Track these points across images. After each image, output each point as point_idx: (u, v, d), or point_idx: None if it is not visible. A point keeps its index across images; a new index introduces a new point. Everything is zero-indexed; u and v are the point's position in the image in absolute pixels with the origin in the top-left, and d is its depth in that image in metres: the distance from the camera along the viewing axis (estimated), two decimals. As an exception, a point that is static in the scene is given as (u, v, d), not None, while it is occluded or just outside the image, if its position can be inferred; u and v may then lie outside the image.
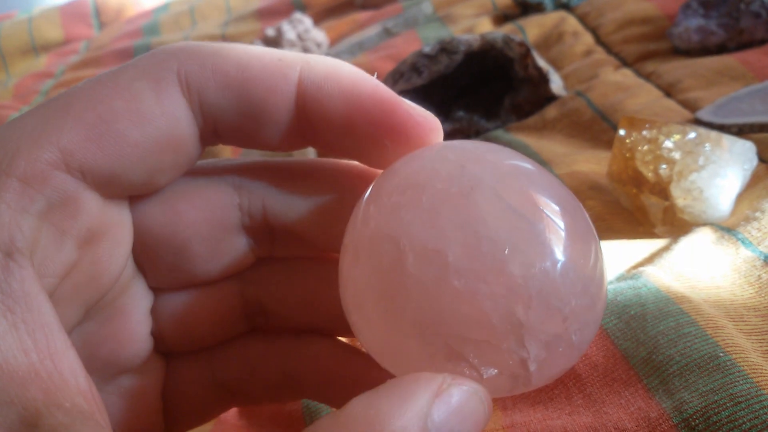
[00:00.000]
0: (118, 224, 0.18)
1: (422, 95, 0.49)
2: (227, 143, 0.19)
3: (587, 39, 0.57)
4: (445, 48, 0.48)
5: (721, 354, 0.23)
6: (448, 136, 0.48)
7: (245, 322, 0.21)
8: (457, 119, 0.49)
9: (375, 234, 0.16)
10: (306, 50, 0.70)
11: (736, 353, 0.23)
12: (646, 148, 0.32)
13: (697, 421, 0.21)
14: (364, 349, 0.19)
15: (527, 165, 0.17)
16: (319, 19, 0.85)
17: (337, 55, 0.69)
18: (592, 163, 0.39)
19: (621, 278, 0.29)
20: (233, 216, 0.20)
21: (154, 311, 0.20)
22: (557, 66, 0.55)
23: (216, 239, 0.20)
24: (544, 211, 0.16)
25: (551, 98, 0.48)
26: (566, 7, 0.63)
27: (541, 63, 0.48)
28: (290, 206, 0.20)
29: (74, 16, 1.10)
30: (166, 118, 0.17)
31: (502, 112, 0.49)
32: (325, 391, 0.22)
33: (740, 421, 0.20)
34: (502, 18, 0.67)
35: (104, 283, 0.18)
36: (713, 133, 0.32)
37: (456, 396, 0.15)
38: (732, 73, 0.45)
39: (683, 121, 0.41)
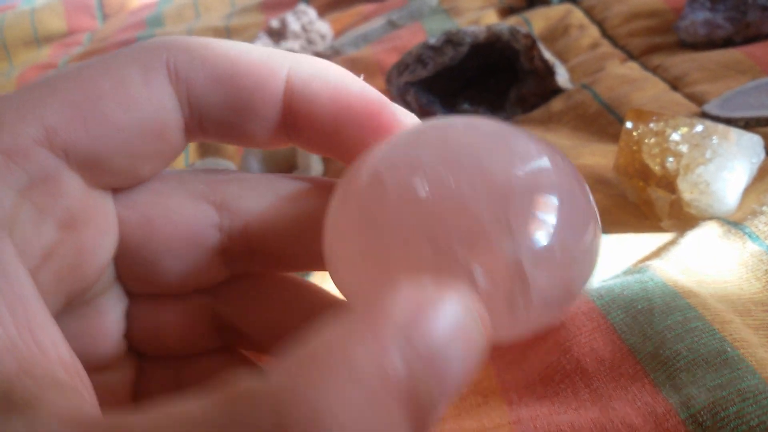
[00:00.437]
0: (102, 214, 0.18)
1: (427, 87, 0.49)
2: (212, 138, 0.19)
3: (593, 32, 0.56)
4: (451, 40, 0.47)
5: (729, 349, 0.23)
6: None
7: (217, 337, 0.21)
8: (462, 111, 0.48)
9: (358, 181, 0.16)
10: (310, 42, 0.70)
11: (743, 348, 0.23)
12: (653, 140, 0.32)
13: (704, 416, 0.21)
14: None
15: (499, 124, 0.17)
16: (323, 11, 0.84)
17: (341, 47, 0.69)
18: (598, 156, 0.39)
19: (627, 272, 0.29)
20: (211, 237, 0.19)
21: (127, 314, 0.20)
22: (563, 59, 0.54)
23: (190, 257, 0.19)
24: (521, 145, 0.16)
25: (557, 91, 0.48)
26: (572, 0, 0.63)
27: (547, 55, 0.47)
28: (273, 227, 0.19)
29: (77, 8, 1.10)
30: (153, 105, 0.17)
31: (508, 104, 0.49)
32: None
33: (748, 416, 0.20)
34: (507, 10, 0.67)
35: (88, 273, 0.18)
36: (720, 126, 0.32)
37: (442, 308, 0.13)
38: (739, 67, 0.44)
39: (690, 114, 0.41)
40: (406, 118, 0.18)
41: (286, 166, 0.45)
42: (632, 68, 0.49)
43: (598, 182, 0.36)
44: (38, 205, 0.16)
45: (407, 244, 0.15)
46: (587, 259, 0.16)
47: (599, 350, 0.25)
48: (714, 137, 0.31)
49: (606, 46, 0.54)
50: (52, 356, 0.14)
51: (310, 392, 0.11)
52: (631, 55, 0.52)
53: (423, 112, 0.48)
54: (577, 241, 0.15)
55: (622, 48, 0.54)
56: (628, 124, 0.33)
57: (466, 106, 0.49)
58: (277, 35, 0.70)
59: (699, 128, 0.32)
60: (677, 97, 0.44)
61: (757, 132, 0.34)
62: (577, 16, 0.59)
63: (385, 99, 0.18)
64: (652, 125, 0.33)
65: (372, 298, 0.13)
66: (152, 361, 0.21)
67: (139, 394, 0.21)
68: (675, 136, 0.32)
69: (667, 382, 0.23)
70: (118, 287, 0.20)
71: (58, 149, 0.16)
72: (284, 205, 0.19)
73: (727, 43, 0.49)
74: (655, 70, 0.48)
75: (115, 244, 0.18)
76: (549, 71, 0.48)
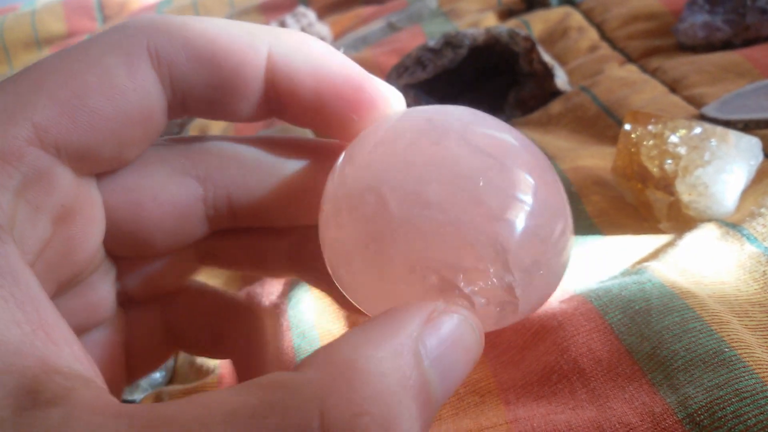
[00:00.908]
0: (90, 202, 0.18)
1: (427, 89, 0.49)
2: (195, 115, 0.19)
3: (592, 34, 0.56)
4: (450, 42, 0.48)
5: (726, 349, 0.23)
6: (452, 130, 0.48)
7: (198, 268, 0.23)
8: (461, 114, 0.49)
9: (354, 189, 0.17)
10: (310, 44, 0.70)
11: (741, 348, 0.23)
12: (651, 143, 0.32)
13: (701, 416, 0.21)
14: (355, 304, 0.19)
15: (485, 114, 0.18)
16: (323, 13, 0.84)
17: (340, 49, 0.69)
18: (597, 158, 0.39)
19: (625, 273, 0.29)
20: (197, 210, 0.20)
21: (117, 274, 0.21)
22: (562, 61, 0.55)
23: (178, 230, 0.20)
24: (508, 148, 0.17)
25: (556, 93, 0.48)
26: (571, 3, 0.63)
27: (546, 58, 0.48)
28: (256, 193, 0.20)
29: (77, 10, 1.10)
30: (138, 93, 0.17)
31: (507, 106, 0.49)
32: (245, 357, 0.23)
33: (745, 416, 0.20)
34: (506, 13, 0.67)
35: (78, 261, 0.18)
36: (719, 129, 0.32)
37: (447, 322, 0.15)
38: (737, 70, 0.44)
39: (688, 117, 0.41)
40: (387, 92, 0.19)
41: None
42: (631, 71, 0.49)
43: (596, 184, 0.36)
44: (33, 203, 0.16)
45: (415, 276, 0.16)
46: (564, 266, 0.18)
47: (597, 350, 0.25)
48: (712, 139, 0.32)
49: (605, 49, 0.54)
50: (68, 352, 0.15)
51: (343, 386, 0.13)
52: (630, 58, 0.52)
53: (422, 114, 0.49)
54: (558, 256, 0.17)
55: (620, 50, 0.54)
56: (627, 127, 0.34)
57: (465, 108, 0.49)
58: (277, 37, 0.70)
59: (697, 130, 0.32)
60: (676, 99, 0.44)
61: (755, 134, 0.34)
62: (576, 18, 0.59)
63: (365, 73, 0.19)
64: (650, 127, 0.33)
65: (388, 313, 0.15)
66: (136, 307, 0.22)
67: (127, 344, 0.22)
68: (673, 139, 0.32)
69: (665, 382, 0.23)
70: (108, 261, 0.20)
71: (50, 147, 0.16)
72: (265, 170, 0.20)
73: (726, 45, 0.49)
74: (653, 73, 0.48)
75: (103, 229, 0.19)
76: (548, 74, 0.48)
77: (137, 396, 0.34)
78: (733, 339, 0.23)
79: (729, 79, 0.44)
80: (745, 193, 0.32)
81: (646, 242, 0.32)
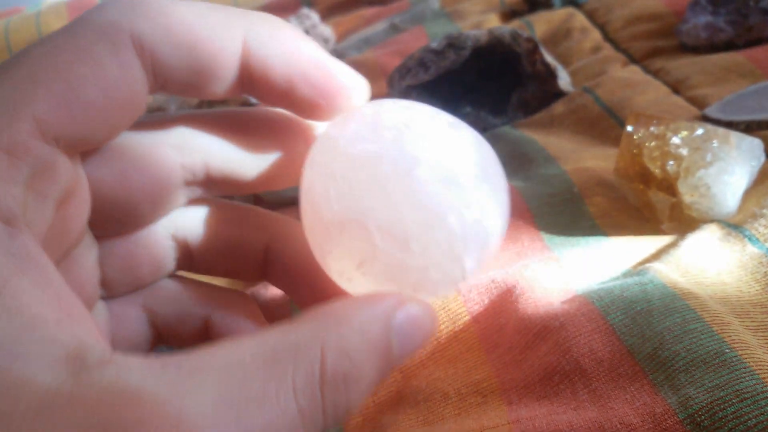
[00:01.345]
0: (82, 183, 0.19)
1: (429, 90, 0.49)
2: (173, 93, 0.21)
3: (595, 35, 0.57)
4: (453, 43, 0.48)
5: (727, 350, 0.23)
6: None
7: (175, 262, 0.24)
8: (464, 115, 0.49)
9: (344, 219, 0.20)
10: (313, 45, 0.70)
11: (742, 349, 0.23)
12: (653, 144, 0.32)
13: (702, 416, 0.21)
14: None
15: (451, 128, 0.21)
16: (326, 14, 0.85)
17: (344, 51, 0.69)
18: (599, 159, 0.39)
19: (627, 274, 0.29)
20: (177, 176, 0.21)
21: (99, 259, 0.22)
22: (565, 62, 0.55)
23: (161, 197, 0.21)
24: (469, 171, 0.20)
25: (559, 94, 0.48)
26: (574, 4, 0.63)
27: (549, 59, 0.48)
28: (231, 159, 0.22)
29: (81, 12, 1.10)
30: (127, 82, 0.18)
31: (510, 108, 0.49)
32: None
33: (746, 417, 0.20)
34: (509, 14, 0.67)
35: (71, 239, 0.20)
36: (721, 130, 0.32)
37: (414, 308, 0.19)
38: (740, 70, 0.44)
39: (691, 118, 0.41)
40: (354, 81, 0.21)
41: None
42: (634, 72, 0.49)
43: (598, 185, 0.36)
44: (40, 192, 0.17)
45: (394, 282, 0.20)
46: (501, 235, 0.21)
47: (598, 351, 0.25)
48: (714, 141, 0.32)
49: (608, 50, 0.54)
50: (88, 328, 0.16)
51: (336, 334, 0.17)
52: (633, 59, 0.52)
53: (425, 115, 0.49)
54: (499, 237, 0.21)
55: (623, 51, 0.54)
56: (629, 128, 0.34)
57: (468, 109, 0.49)
58: (281, 39, 0.70)
59: (699, 132, 0.32)
60: (678, 100, 0.44)
61: (757, 135, 0.34)
62: (579, 19, 0.59)
63: (335, 62, 0.21)
64: (652, 129, 0.33)
65: (372, 294, 0.19)
66: (118, 301, 0.23)
67: (114, 346, 0.23)
68: (675, 140, 0.32)
69: (666, 382, 0.23)
70: (90, 237, 0.21)
71: (50, 138, 0.17)
72: (238, 138, 0.22)
73: (729, 46, 0.49)
74: (656, 74, 0.48)
75: (90, 205, 0.20)
76: (551, 75, 0.48)
77: None
78: (734, 340, 0.23)
79: (731, 80, 0.44)
80: (747, 194, 0.32)
81: (648, 243, 0.32)
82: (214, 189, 0.23)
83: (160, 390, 0.15)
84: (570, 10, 0.61)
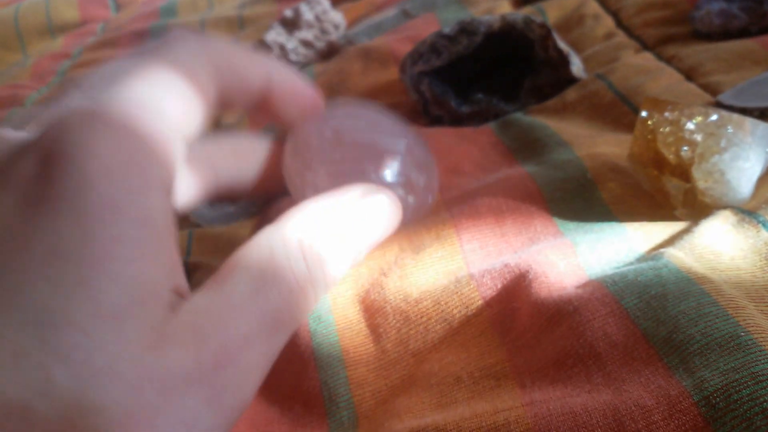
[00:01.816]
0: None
1: (441, 76, 0.49)
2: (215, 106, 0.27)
3: (608, 22, 0.56)
4: (465, 29, 0.48)
5: (742, 333, 0.23)
6: (467, 118, 0.48)
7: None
8: (475, 101, 0.49)
9: (312, 137, 0.29)
10: (324, 32, 0.70)
11: (757, 333, 0.23)
12: (668, 129, 0.32)
13: (717, 399, 0.21)
14: None
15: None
16: (336, 0, 0.84)
17: (354, 37, 0.69)
18: (613, 145, 0.39)
19: (641, 259, 0.29)
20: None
21: None
22: (578, 49, 0.54)
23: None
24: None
25: (572, 81, 0.48)
26: (586, -10, 0.63)
27: (562, 45, 0.47)
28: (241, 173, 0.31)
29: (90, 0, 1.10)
30: (209, 97, 0.25)
31: (522, 94, 0.49)
32: None
33: (761, 399, 0.21)
34: (521, 0, 0.67)
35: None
36: (735, 116, 0.32)
37: (379, 193, 0.28)
38: (754, 57, 0.44)
39: (704, 105, 0.41)
40: (319, 100, 0.30)
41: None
42: (647, 58, 0.49)
43: (612, 171, 0.36)
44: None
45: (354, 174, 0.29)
46: (435, 179, 0.31)
47: (613, 335, 0.25)
48: (729, 127, 0.32)
49: (621, 36, 0.54)
50: (180, 277, 0.22)
51: (309, 228, 0.25)
52: (646, 46, 0.52)
53: (437, 102, 0.49)
54: (430, 172, 0.31)
55: (637, 38, 0.53)
56: (643, 113, 0.34)
57: (480, 95, 0.49)
58: (291, 25, 0.70)
59: (714, 117, 0.32)
60: (692, 87, 0.44)
61: (772, 122, 0.34)
62: (592, 5, 0.59)
63: (317, 97, 0.30)
64: (667, 114, 0.33)
65: (342, 187, 0.27)
66: None
67: None
68: (690, 126, 0.32)
69: (681, 365, 0.23)
70: None
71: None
72: (239, 159, 0.31)
73: (743, 33, 0.49)
74: (669, 61, 0.48)
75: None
76: (563, 61, 0.48)
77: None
78: (749, 324, 0.23)
79: (745, 66, 0.44)
80: (761, 180, 0.32)
81: (662, 229, 0.32)
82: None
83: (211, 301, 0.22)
84: (582, -4, 0.61)
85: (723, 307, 0.24)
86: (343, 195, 0.27)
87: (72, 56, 0.93)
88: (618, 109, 0.44)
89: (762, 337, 0.23)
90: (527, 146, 0.42)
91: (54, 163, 0.20)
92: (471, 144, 0.43)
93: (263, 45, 0.68)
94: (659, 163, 0.32)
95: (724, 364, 0.22)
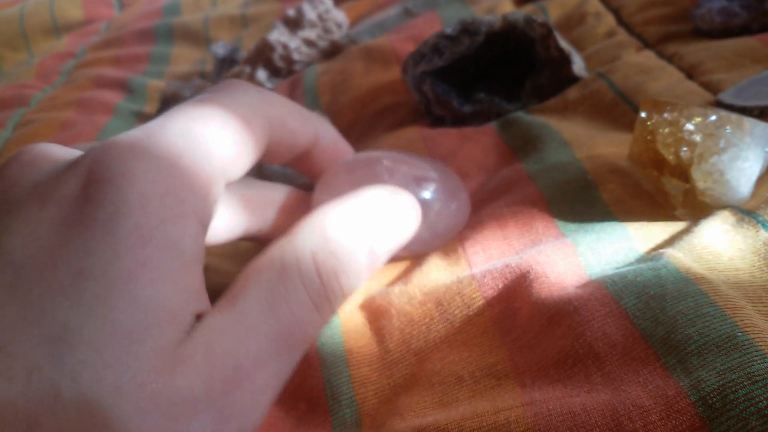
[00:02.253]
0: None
1: (443, 76, 0.50)
2: (263, 154, 0.29)
3: (609, 20, 0.56)
4: (467, 29, 0.48)
5: (739, 334, 0.23)
6: (469, 117, 0.48)
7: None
8: (477, 101, 0.49)
9: (343, 176, 0.31)
10: (327, 31, 0.70)
11: (754, 333, 0.23)
12: (667, 130, 0.33)
13: (714, 398, 0.22)
14: None
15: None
16: (339, -1, 0.85)
17: (357, 36, 0.69)
18: (613, 145, 0.39)
19: (641, 260, 0.30)
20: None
21: None
22: (579, 47, 0.55)
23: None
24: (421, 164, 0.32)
25: (573, 80, 0.48)
26: (588, -12, 0.63)
27: (563, 44, 0.48)
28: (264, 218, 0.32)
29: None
30: (260, 143, 0.27)
31: (524, 93, 0.49)
32: None
33: (757, 399, 0.21)
34: (523, -2, 0.67)
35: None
36: (734, 116, 0.32)
37: (401, 194, 0.28)
38: (754, 55, 0.44)
39: (705, 103, 0.41)
40: (349, 151, 0.33)
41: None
42: (648, 57, 0.49)
43: (612, 172, 0.36)
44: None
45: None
46: (463, 216, 0.34)
47: (612, 335, 0.25)
48: (728, 127, 0.32)
49: (622, 35, 0.54)
50: (204, 301, 0.23)
51: (320, 241, 0.24)
52: (647, 44, 0.52)
53: (439, 102, 0.49)
54: (459, 207, 0.33)
55: (638, 36, 0.54)
56: (643, 114, 0.34)
57: (482, 95, 0.49)
58: (294, 24, 0.70)
59: (713, 118, 0.32)
60: (692, 86, 0.44)
61: (771, 121, 0.34)
62: (593, 4, 0.59)
63: (343, 142, 0.33)
64: (666, 115, 0.33)
65: (360, 189, 0.27)
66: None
67: None
68: (689, 126, 0.32)
69: (678, 365, 0.23)
70: None
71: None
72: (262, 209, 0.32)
73: (743, 31, 0.49)
74: (670, 59, 0.48)
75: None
76: (565, 60, 0.48)
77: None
78: (746, 324, 0.24)
79: (746, 65, 0.44)
80: (761, 180, 0.32)
81: (661, 229, 0.32)
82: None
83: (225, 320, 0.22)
84: (584, -6, 0.61)
85: (720, 308, 0.24)
86: (359, 197, 0.26)
87: (76, 56, 0.93)
88: (619, 108, 0.44)
89: (759, 338, 0.23)
90: (528, 145, 0.42)
91: (95, 186, 0.21)
92: (474, 144, 0.43)
93: (266, 44, 0.68)
94: (659, 163, 0.33)
95: (721, 364, 0.22)
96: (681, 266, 0.27)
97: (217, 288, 0.26)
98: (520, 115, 0.46)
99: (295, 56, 0.68)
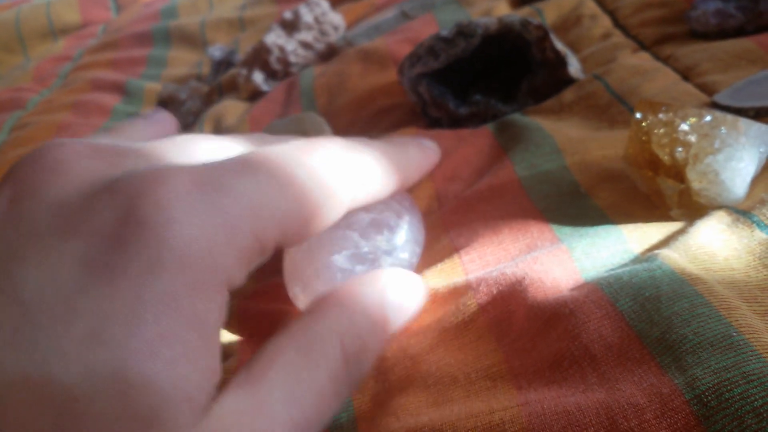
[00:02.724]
0: None
1: (439, 78, 0.50)
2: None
3: (605, 22, 0.57)
4: (463, 31, 0.48)
5: (734, 333, 0.23)
6: (465, 119, 0.48)
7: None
8: (474, 103, 0.49)
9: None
10: (323, 33, 0.70)
11: (749, 333, 0.23)
12: (662, 131, 0.33)
13: (709, 397, 0.22)
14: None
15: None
16: (336, 2, 0.85)
17: (353, 39, 0.69)
18: (608, 147, 0.39)
19: (636, 261, 0.30)
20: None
21: None
22: (575, 49, 0.55)
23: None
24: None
25: (569, 81, 0.48)
26: (584, -10, 0.63)
27: (559, 46, 0.48)
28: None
29: (92, 4, 1.11)
30: None
31: (520, 95, 0.49)
32: None
33: (752, 398, 0.21)
34: (519, 0, 0.67)
35: None
36: (729, 117, 0.32)
37: (410, 279, 0.30)
38: (750, 57, 0.44)
39: (700, 105, 0.41)
40: None
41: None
42: (644, 58, 0.49)
43: (605, 180, 0.36)
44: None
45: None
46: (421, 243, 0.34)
47: (607, 336, 0.25)
48: (723, 127, 0.32)
49: (618, 36, 0.54)
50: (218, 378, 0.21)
51: (346, 323, 0.25)
52: (643, 45, 0.52)
53: (436, 104, 0.49)
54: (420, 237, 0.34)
55: (633, 38, 0.54)
56: (638, 115, 0.34)
57: (478, 97, 0.49)
58: (291, 27, 0.70)
59: (708, 118, 0.32)
60: (688, 87, 0.44)
61: (766, 122, 0.34)
62: (589, 5, 0.59)
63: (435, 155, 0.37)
64: (661, 116, 0.33)
65: (366, 275, 0.28)
66: None
67: None
68: (684, 127, 0.32)
69: (673, 364, 0.23)
70: None
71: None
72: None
73: (739, 32, 0.49)
74: (666, 60, 0.48)
75: None
76: (561, 62, 0.48)
77: None
78: (741, 324, 0.24)
79: (741, 66, 0.44)
80: (756, 180, 0.33)
81: (656, 230, 0.32)
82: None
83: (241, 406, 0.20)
84: (580, -4, 0.61)
85: (716, 308, 0.24)
86: (376, 283, 0.27)
87: (73, 59, 0.93)
88: (615, 109, 0.44)
89: (753, 337, 0.23)
90: (520, 145, 0.42)
91: (133, 228, 0.19)
92: (469, 146, 0.43)
93: (263, 46, 0.68)
94: (654, 164, 0.33)
95: (716, 363, 0.22)
96: (676, 267, 0.27)
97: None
98: (517, 116, 0.47)
99: (292, 59, 0.68)
